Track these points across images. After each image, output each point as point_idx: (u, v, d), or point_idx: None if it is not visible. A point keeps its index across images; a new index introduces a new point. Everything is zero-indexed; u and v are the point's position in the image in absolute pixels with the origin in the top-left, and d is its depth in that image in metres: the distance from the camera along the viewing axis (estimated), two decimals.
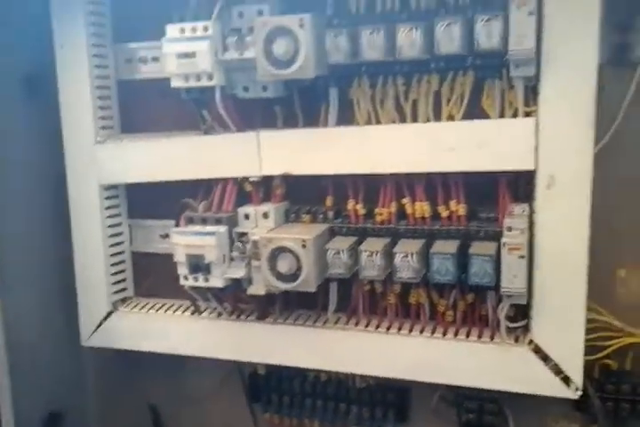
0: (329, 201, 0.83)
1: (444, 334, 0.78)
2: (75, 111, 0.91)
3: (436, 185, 0.77)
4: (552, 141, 0.68)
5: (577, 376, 0.72)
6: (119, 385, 1.07)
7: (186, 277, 0.84)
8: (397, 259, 0.74)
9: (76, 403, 1.05)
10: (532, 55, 0.66)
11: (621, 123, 0.73)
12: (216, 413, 1.03)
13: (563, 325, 0.71)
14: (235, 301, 0.88)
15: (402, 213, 0.79)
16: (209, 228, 0.83)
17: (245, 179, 0.84)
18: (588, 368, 0.76)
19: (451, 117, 0.75)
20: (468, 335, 0.77)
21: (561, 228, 0.69)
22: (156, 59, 0.91)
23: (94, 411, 1.09)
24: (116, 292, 0.96)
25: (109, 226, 0.95)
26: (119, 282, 0.97)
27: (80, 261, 0.94)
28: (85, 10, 0.89)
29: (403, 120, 0.77)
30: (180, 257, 0.84)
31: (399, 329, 0.80)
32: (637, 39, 0.72)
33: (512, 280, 0.69)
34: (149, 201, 0.94)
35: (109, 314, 0.95)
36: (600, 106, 0.66)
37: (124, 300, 0.97)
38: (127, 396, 1.07)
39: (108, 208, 0.94)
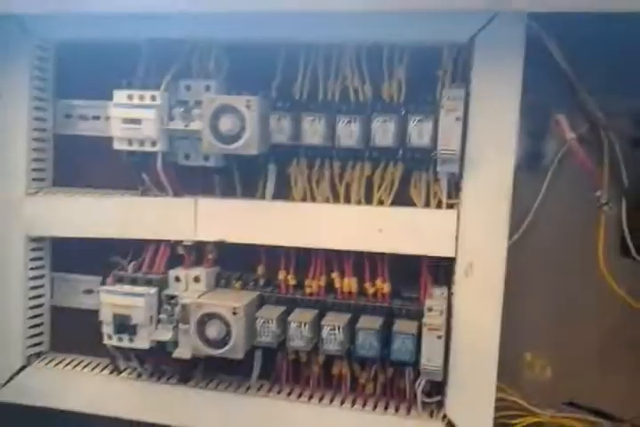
0: (260, 269, 0.86)
1: (364, 405, 0.82)
2: (7, 161, 0.90)
3: (363, 263, 0.81)
4: (471, 232, 0.75)
5: None
6: None
7: (110, 337, 0.84)
8: (325, 331, 0.77)
9: None
10: (457, 155, 0.73)
11: (532, 220, 0.81)
12: None
13: (474, 402, 0.76)
14: (157, 362, 0.88)
15: (330, 287, 0.83)
16: (139, 289, 0.84)
17: (179, 242, 0.86)
18: None
19: (380, 202, 0.80)
20: (386, 408, 0.81)
21: (476, 311, 0.75)
22: (96, 117, 0.92)
23: None
24: (32, 346, 0.94)
25: (31, 278, 0.93)
26: (35, 335, 0.95)
27: None
28: (30, 64, 0.89)
29: (336, 200, 0.82)
30: (106, 316, 0.83)
31: (320, 399, 0.83)
32: (547, 148, 0.81)
33: (430, 358, 0.74)
34: (75, 255, 0.94)
35: (22, 368, 0.93)
36: (515, 204, 0.74)
37: (38, 354, 0.95)
38: None
39: (32, 260, 0.93)
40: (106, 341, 0.85)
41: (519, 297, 0.80)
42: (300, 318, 0.79)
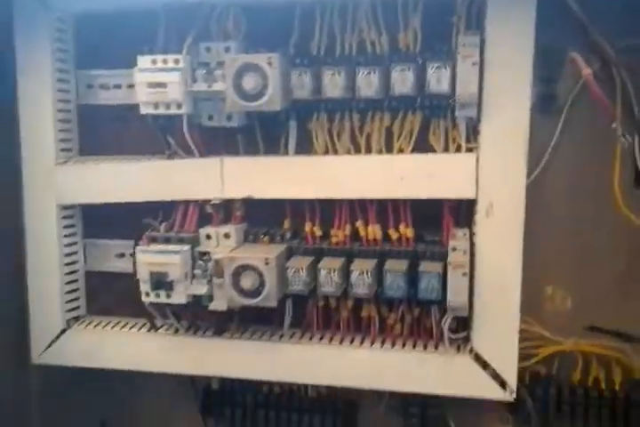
0: (287, 223, 0.89)
1: (393, 345, 0.86)
2: (36, 133, 0.93)
3: (386, 210, 0.85)
4: (490, 174, 0.78)
5: (512, 381, 0.81)
6: (68, 404, 1.07)
7: (147, 294, 0.88)
8: (354, 276, 0.81)
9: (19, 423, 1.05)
10: (475, 99, 0.76)
11: (548, 160, 0.84)
12: None
13: (499, 335, 0.80)
14: (193, 317, 0.92)
15: (355, 235, 0.86)
16: (173, 247, 0.87)
17: (206, 201, 0.89)
18: (520, 374, 0.86)
19: (401, 150, 0.84)
20: (414, 346, 0.85)
21: (498, 249, 0.79)
22: (117, 86, 0.95)
23: None
24: (70, 310, 0.98)
25: (65, 245, 0.97)
26: (73, 300, 0.99)
27: (34, 278, 0.96)
28: (51, 36, 0.92)
29: (357, 151, 0.85)
30: (143, 275, 0.87)
31: (351, 342, 0.87)
32: (560, 90, 0.83)
33: (456, 295, 0.78)
34: (105, 221, 0.97)
35: (63, 331, 0.96)
36: (531, 145, 0.77)
37: (77, 318, 0.99)
38: (78, 414, 1.07)
39: (65, 227, 0.97)
40: (144, 298, 0.88)
41: (540, 234, 0.84)
42: (330, 265, 0.82)
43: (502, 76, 0.76)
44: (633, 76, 0.79)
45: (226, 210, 0.91)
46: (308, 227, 0.87)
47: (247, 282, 0.82)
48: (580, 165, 0.84)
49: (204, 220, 0.91)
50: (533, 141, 0.78)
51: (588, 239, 0.85)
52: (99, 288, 1.00)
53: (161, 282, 0.86)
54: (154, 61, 0.84)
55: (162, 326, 0.94)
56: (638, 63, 0.77)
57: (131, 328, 0.96)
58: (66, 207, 0.96)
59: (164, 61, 0.84)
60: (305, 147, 0.87)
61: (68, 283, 0.98)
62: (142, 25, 0.88)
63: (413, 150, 0.83)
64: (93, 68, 0.96)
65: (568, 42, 0.80)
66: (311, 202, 0.87)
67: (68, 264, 0.98)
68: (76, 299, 1.00)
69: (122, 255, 0.98)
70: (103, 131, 0.97)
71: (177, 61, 0.84)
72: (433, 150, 0.83)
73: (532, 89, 0.76)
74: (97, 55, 0.95)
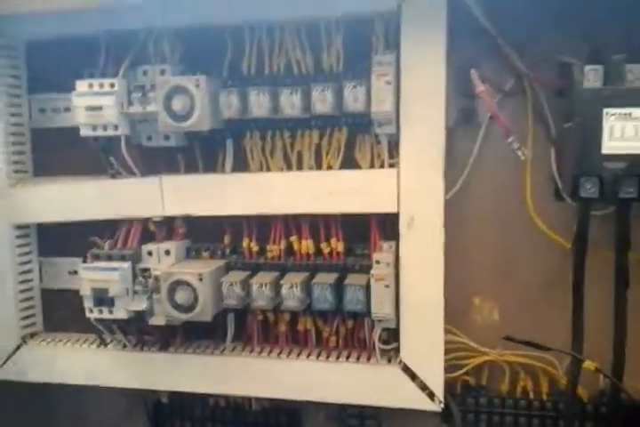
0: (226, 239, 0.92)
1: (328, 357, 0.88)
2: None
3: (318, 225, 0.87)
4: (411, 188, 0.80)
5: (439, 391, 0.82)
6: (19, 418, 1.09)
7: (91, 310, 0.90)
8: (284, 290, 0.83)
9: None
10: (390, 116, 0.78)
11: (470, 172, 0.86)
12: None
13: (425, 346, 0.82)
14: (139, 333, 0.94)
15: (290, 250, 0.89)
16: (114, 264, 0.90)
17: (149, 219, 0.92)
18: (452, 385, 0.87)
19: (330, 167, 0.86)
20: (348, 357, 0.87)
21: (420, 261, 0.81)
22: (67, 109, 0.98)
23: None
24: (26, 326, 1.01)
25: (20, 263, 1.00)
26: (28, 317, 1.02)
27: None
28: (3, 63, 0.96)
29: (289, 168, 0.88)
30: (85, 291, 0.90)
31: (289, 354, 0.89)
32: (479, 105, 0.86)
33: (380, 307, 0.80)
34: (59, 240, 1.00)
35: (18, 347, 0.99)
36: (454, 158, 0.79)
37: (32, 334, 1.02)
38: None
39: (19, 246, 1.00)
40: (88, 314, 0.91)
41: (467, 246, 0.86)
42: (261, 280, 0.85)
43: (417, 91, 0.79)
44: (547, 89, 0.81)
45: (169, 227, 0.93)
46: (245, 242, 0.90)
47: (182, 297, 0.84)
48: (502, 178, 0.86)
49: (151, 237, 0.93)
50: (456, 155, 0.80)
51: (512, 251, 0.87)
52: (55, 305, 1.03)
53: (102, 298, 0.89)
54: (90, 85, 0.87)
55: (111, 342, 0.97)
56: (553, 77, 0.79)
57: (82, 344, 0.99)
58: (20, 227, 0.99)
59: (100, 85, 0.87)
60: (241, 165, 0.90)
61: (24, 300, 1.01)
62: (87, 50, 0.92)
63: (342, 166, 0.86)
64: (45, 93, 0.99)
65: (483, 58, 0.82)
66: (248, 218, 0.89)
67: (23, 282, 1.01)
68: (32, 315, 1.03)
69: (75, 273, 1.01)
70: (57, 152, 1.00)
71: (112, 85, 0.87)
72: (360, 167, 0.85)
73: (453, 104, 0.79)
74: (48, 80, 0.99)
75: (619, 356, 0.80)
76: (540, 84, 0.81)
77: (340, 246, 0.86)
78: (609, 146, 0.74)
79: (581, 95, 0.74)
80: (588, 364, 0.79)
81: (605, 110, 0.73)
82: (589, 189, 0.75)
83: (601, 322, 0.80)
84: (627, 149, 0.74)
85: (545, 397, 0.86)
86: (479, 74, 0.78)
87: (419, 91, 0.79)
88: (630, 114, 0.73)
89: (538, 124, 0.82)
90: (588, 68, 0.75)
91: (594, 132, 0.74)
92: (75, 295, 0.97)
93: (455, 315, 0.85)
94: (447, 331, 0.85)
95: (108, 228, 0.94)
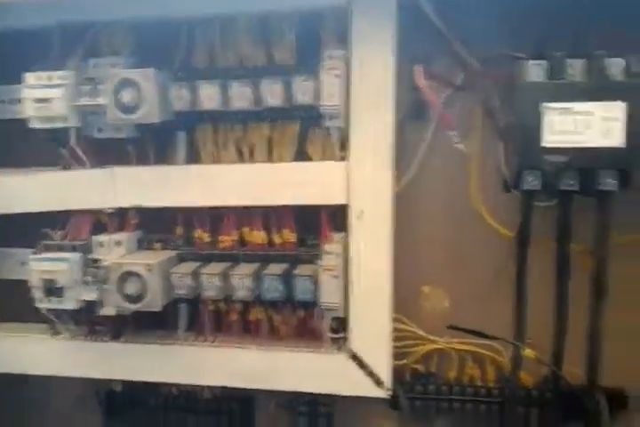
0: (179, 230, 0.92)
1: (279, 346, 0.89)
2: None
3: (270, 216, 0.88)
4: (360, 180, 0.82)
5: (387, 379, 0.85)
6: None
7: (40, 300, 0.90)
8: (234, 280, 0.84)
9: None
10: (339, 110, 0.80)
11: (421, 164, 0.87)
12: None
13: (373, 334, 0.84)
14: (91, 323, 0.94)
15: (242, 241, 0.90)
16: (63, 254, 0.90)
17: (101, 210, 0.92)
18: (401, 372, 0.89)
19: (281, 159, 0.87)
20: (298, 347, 0.88)
21: (369, 252, 0.83)
22: (15, 101, 0.97)
23: None
24: None
25: None
26: None
27: None
28: None
29: (242, 160, 0.88)
30: (35, 282, 0.89)
31: (240, 344, 0.90)
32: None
33: (329, 296, 0.82)
34: (12, 231, 0.99)
35: None
36: (405, 151, 0.80)
37: None
38: None
39: None
40: (37, 304, 0.91)
41: (416, 236, 0.88)
42: (210, 270, 0.86)
43: (366, 86, 0.80)
44: (498, 84, 0.83)
45: (121, 218, 0.93)
46: (197, 234, 0.90)
47: (131, 288, 0.85)
48: (451, 171, 0.87)
49: (103, 228, 0.93)
50: (407, 147, 0.82)
51: (461, 243, 0.89)
52: (8, 295, 1.02)
53: (51, 288, 0.89)
54: (39, 77, 0.86)
55: (64, 332, 0.97)
56: (505, 72, 0.81)
57: (35, 334, 0.98)
58: None
59: (49, 78, 0.86)
60: (195, 157, 0.90)
61: None
62: (38, 42, 0.90)
63: (295, 159, 0.87)
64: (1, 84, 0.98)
65: (434, 53, 0.84)
66: (200, 209, 0.90)
67: None
68: None
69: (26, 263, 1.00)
70: (13, 144, 0.99)
71: (62, 77, 0.86)
72: (312, 159, 0.86)
73: (404, 98, 0.80)
74: (4, 71, 0.97)
75: (559, 344, 0.83)
76: (489, 80, 0.82)
77: (293, 237, 0.87)
78: (549, 139, 0.76)
79: (523, 90, 0.76)
80: (529, 352, 0.82)
81: (545, 104, 0.75)
82: (531, 181, 0.77)
83: (544, 311, 0.82)
84: (567, 143, 0.76)
85: (491, 384, 0.89)
86: (428, 69, 0.79)
87: (368, 85, 0.80)
88: (570, 108, 0.75)
89: (487, 118, 0.83)
90: (531, 62, 0.76)
91: (535, 126, 0.76)
92: (26, 286, 0.97)
93: (405, 304, 0.87)
94: (397, 320, 0.87)
95: (61, 219, 0.94)
